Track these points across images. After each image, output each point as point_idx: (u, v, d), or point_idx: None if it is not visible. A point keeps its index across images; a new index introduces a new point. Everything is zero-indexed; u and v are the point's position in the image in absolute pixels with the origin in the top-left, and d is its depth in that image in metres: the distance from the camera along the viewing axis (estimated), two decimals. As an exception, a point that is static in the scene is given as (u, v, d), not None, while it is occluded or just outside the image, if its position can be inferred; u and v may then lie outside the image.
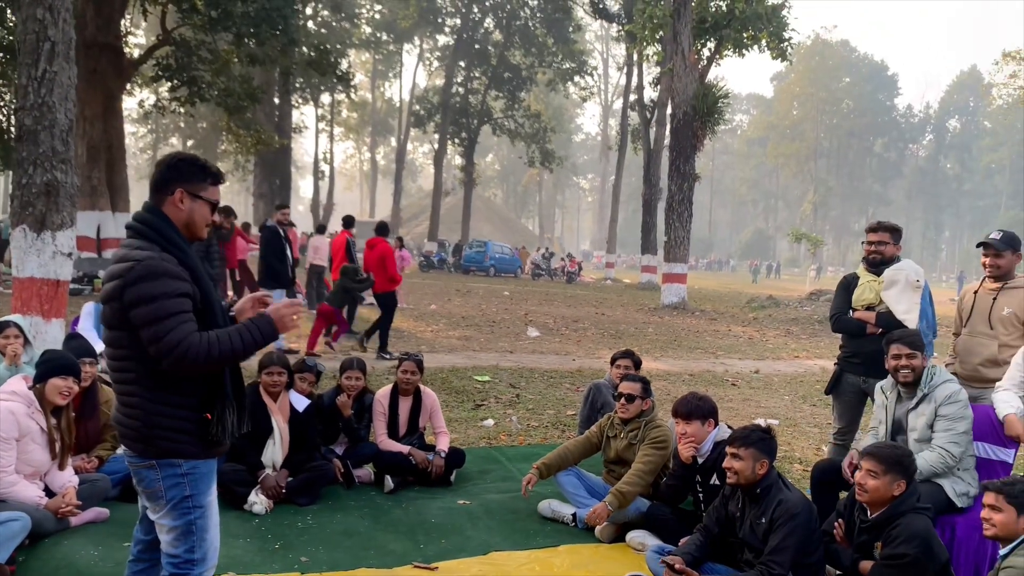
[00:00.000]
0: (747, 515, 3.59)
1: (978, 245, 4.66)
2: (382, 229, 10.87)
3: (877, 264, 4.82)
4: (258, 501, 4.52)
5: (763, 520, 3.48)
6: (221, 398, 2.60)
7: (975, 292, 4.69)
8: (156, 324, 2.39)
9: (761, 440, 3.56)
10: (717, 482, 4.03)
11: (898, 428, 4.09)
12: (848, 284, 5.00)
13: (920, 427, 3.94)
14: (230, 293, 15.04)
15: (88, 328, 5.86)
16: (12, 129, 13.27)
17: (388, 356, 9.83)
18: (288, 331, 2.61)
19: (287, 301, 2.69)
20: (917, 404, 3.99)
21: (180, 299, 2.45)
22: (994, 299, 4.52)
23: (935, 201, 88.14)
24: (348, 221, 11.78)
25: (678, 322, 17.81)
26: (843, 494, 4.11)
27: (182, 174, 2.60)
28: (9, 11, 16.48)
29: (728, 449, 3.61)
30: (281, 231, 10.15)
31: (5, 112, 18.45)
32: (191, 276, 2.52)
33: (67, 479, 4.09)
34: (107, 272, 2.54)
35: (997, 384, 4.23)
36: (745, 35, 23.16)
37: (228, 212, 12.54)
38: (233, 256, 14.23)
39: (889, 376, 4.15)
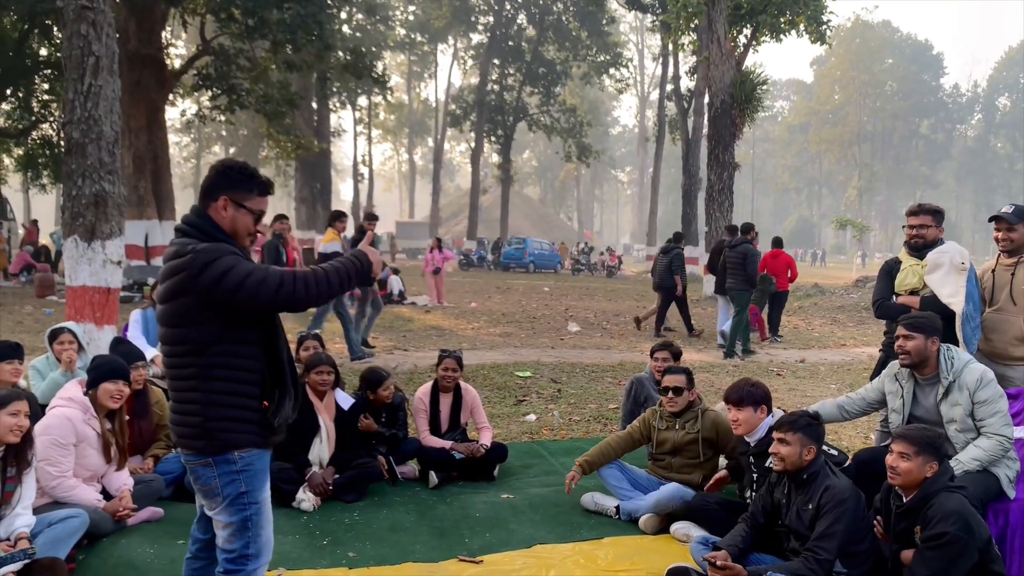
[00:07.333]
0: (793, 501, 3.55)
1: (990, 219, 4.55)
2: (778, 242, 13.50)
3: (919, 248, 4.71)
4: (306, 498, 4.61)
5: (810, 506, 3.44)
6: (281, 386, 2.64)
7: (992, 271, 4.57)
8: (248, 280, 2.45)
9: (809, 425, 3.53)
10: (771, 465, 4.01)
11: (924, 419, 3.98)
12: (890, 269, 4.89)
13: (959, 417, 3.82)
14: None
15: (137, 335, 6.02)
16: (62, 143, 13.72)
17: (780, 339, 13.18)
18: (376, 273, 2.68)
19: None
20: (947, 393, 3.88)
21: (249, 262, 2.52)
22: (1012, 274, 4.40)
23: (986, 182, 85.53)
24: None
25: (721, 313, 17.59)
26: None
27: (230, 181, 2.62)
28: (55, 28, 16.99)
29: (775, 434, 3.57)
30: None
31: (55, 126, 19.04)
32: None
33: (123, 481, 4.21)
34: (164, 271, 2.56)
35: None
36: (782, 20, 22.72)
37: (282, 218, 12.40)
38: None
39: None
